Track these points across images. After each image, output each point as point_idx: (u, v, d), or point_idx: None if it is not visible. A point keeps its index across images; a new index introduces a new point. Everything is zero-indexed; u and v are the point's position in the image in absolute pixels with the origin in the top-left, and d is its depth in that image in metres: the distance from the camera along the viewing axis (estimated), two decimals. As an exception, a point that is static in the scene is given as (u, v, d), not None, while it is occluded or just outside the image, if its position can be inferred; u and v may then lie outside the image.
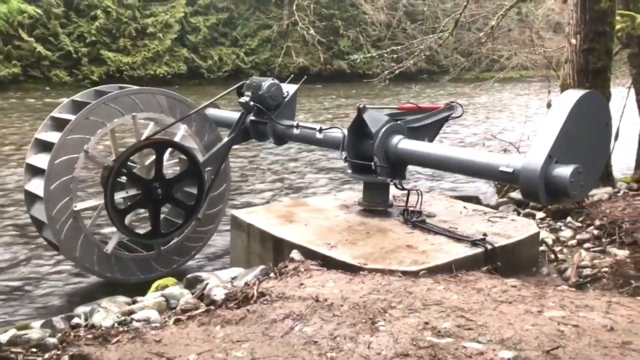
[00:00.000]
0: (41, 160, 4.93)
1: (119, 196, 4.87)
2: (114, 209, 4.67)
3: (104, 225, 6.31)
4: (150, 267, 5.26)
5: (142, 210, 5.33)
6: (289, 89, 5.51)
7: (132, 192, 4.89)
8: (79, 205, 4.87)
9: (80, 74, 27.57)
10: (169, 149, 5.31)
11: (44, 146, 5.10)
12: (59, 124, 5.11)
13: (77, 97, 5.47)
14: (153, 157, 5.00)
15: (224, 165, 5.62)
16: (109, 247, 5.02)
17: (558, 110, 3.66)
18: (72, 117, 4.86)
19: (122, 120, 5.03)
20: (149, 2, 30.59)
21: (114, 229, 5.03)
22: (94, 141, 4.88)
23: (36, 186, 4.93)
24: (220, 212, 5.69)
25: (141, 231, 5.21)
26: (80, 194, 5.33)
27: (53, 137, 4.92)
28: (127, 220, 5.06)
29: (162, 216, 5.26)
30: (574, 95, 3.70)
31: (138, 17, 29.54)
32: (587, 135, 3.72)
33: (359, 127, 4.65)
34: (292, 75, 6.39)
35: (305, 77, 7.00)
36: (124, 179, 4.86)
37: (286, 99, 5.43)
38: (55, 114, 5.31)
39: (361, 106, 4.64)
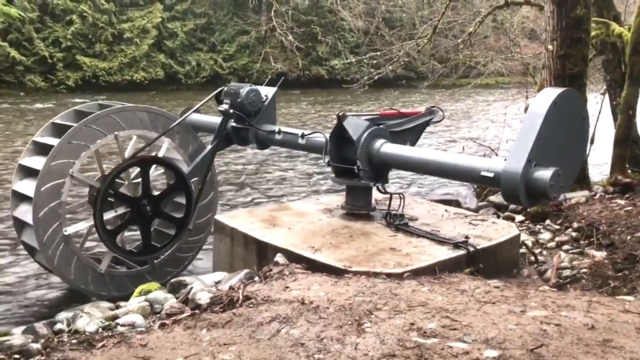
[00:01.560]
0: (27, 186, 4.91)
1: (108, 215, 4.85)
2: (104, 229, 4.67)
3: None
4: (145, 281, 5.21)
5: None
6: (267, 92, 5.51)
7: (121, 210, 4.89)
8: (69, 229, 4.86)
9: (56, 79, 27.26)
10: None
11: (28, 172, 5.06)
12: (42, 149, 5.08)
13: (58, 119, 5.43)
14: (137, 171, 5.02)
15: (211, 174, 5.61)
16: (103, 266, 5.00)
17: (535, 112, 3.70)
18: (54, 141, 4.85)
19: (105, 140, 5.04)
20: (126, 7, 30.38)
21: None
22: (78, 164, 4.87)
23: (24, 213, 4.90)
24: (210, 220, 5.65)
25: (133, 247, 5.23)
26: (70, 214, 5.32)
27: (37, 162, 4.91)
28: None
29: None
30: (549, 96, 3.72)
31: (114, 22, 29.32)
32: (565, 133, 3.77)
33: (340, 134, 4.67)
34: (269, 77, 6.39)
35: (283, 78, 7.01)
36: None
37: (265, 103, 5.43)
38: (38, 138, 5.26)
39: (341, 114, 4.65)
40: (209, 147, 5.44)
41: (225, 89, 5.47)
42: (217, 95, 5.53)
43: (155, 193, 4.97)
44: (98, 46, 28.54)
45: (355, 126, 4.59)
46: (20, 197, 5.00)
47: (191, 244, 5.58)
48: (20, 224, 5.05)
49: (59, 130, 5.11)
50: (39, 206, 4.67)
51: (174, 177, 5.00)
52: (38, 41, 26.89)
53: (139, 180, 5.08)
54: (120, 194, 4.88)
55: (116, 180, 4.84)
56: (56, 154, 4.75)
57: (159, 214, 4.95)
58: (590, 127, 4.23)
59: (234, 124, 5.44)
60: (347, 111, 4.83)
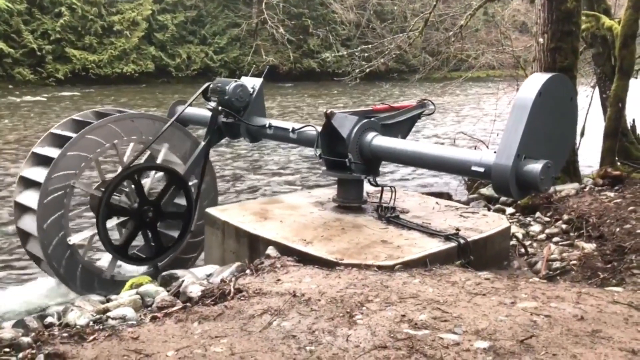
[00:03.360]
0: (30, 197, 5.01)
1: (111, 224, 5.00)
2: (107, 239, 4.80)
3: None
4: (104, 285, 5.27)
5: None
6: (253, 83, 5.47)
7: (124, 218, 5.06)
8: (78, 184, 4.97)
9: (45, 72, 27.04)
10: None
11: (60, 140, 5.16)
12: (42, 161, 5.16)
13: (56, 129, 5.47)
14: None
15: (210, 179, 5.73)
16: (74, 239, 5.01)
17: (520, 104, 3.67)
18: (56, 153, 4.93)
19: (141, 139, 5.29)
20: (115, 0, 30.14)
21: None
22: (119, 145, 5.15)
23: (28, 223, 4.99)
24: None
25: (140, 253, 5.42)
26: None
27: (38, 173, 5.02)
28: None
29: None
30: (534, 86, 3.67)
31: (104, 14, 29.10)
32: (553, 119, 3.75)
33: (330, 132, 4.66)
34: (253, 67, 6.33)
35: (268, 67, 6.98)
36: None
37: (253, 96, 5.40)
38: (37, 149, 5.31)
39: (328, 112, 4.62)
40: (202, 143, 5.44)
41: (212, 85, 5.42)
42: (204, 91, 5.49)
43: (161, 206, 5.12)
44: (87, 39, 28.32)
45: (344, 123, 4.56)
46: (42, 159, 5.10)
47: (193, 246, 5.63)
48: (24, 235, 5.07)
49: (59, 140, 5.22)
50: (44, 217, 4.79)
51: (185, 199, 5.16)
52: (26, 33, 26.63)
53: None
54: (119, 207, 5.02)
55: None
56: (96, 127, 4.99)
57: (162, 215, 5.09)
58: (578, 105, 4.20)
59: (224, 120, 5.43)
60: (341, 105, 4.83)
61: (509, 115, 3.77)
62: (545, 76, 3.76)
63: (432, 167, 4.58)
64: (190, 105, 5.62)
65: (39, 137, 5.41)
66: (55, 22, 27.53)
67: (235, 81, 5.35)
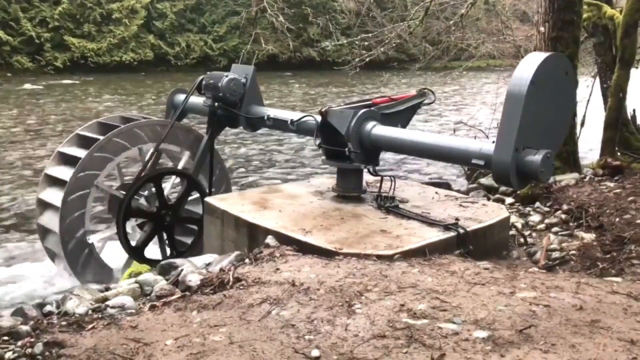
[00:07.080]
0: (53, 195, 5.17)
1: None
2: (125, 240, 4.96)
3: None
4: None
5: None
6: (245, 72, 5.43)
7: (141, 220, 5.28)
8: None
9: (43, 60, 26.94)
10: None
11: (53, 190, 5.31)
12: (57, 182, 5.29)
13: (64, 149, 5.56)
14: None
15: (223, 175, 5.91)
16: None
17: (514, 95, 3.61)
18: (68, 174, 5.08)
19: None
20: (114, -13, 29.95)
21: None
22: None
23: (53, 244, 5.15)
24: None
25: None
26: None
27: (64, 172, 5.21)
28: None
29: None
30: (526, 74, 3.58)
31: (103, 2, 28.94)
32: (549, 102, 3.70)
33: (327, 129, 4.62)
34: (242, 54, 6.29)
35: (256, 52, 7.00)
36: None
37: (247, 86, 5.36)
38: (49, 170, 5.40)
39: (323, 110, 4.58)
40: (206, 137, 5.46)
41: (204, 82, 5.37)
42: (197, 86, 5.45)
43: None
44: (86, 26, 28.19)
45: (341, 119, 4.54)
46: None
47: None
48: (43, 231, 5.24)
49: (68, 160, 5.38)
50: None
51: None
52: (25, 21, 26.50)
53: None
54: (141, 210, 5.25)
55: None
56: (141, 124, 5.36)
57: (180, 220, 5.32)
58: (575, 79, 4.13)
59: (222, 113, 5.42)
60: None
61: (504, 104, 3.70)
62: (537, 60, 3.63)
63: (431, 156, 4.56)
64: (184, 90, 5.68)
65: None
66: (53, 9, 27.38)
67: (227, 75, 5.28)
